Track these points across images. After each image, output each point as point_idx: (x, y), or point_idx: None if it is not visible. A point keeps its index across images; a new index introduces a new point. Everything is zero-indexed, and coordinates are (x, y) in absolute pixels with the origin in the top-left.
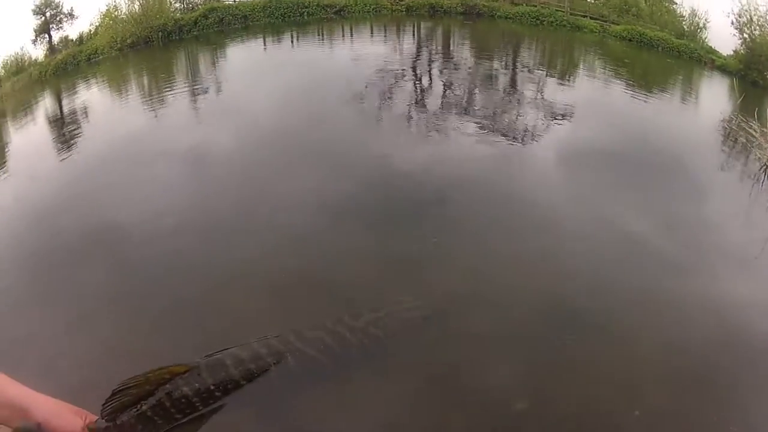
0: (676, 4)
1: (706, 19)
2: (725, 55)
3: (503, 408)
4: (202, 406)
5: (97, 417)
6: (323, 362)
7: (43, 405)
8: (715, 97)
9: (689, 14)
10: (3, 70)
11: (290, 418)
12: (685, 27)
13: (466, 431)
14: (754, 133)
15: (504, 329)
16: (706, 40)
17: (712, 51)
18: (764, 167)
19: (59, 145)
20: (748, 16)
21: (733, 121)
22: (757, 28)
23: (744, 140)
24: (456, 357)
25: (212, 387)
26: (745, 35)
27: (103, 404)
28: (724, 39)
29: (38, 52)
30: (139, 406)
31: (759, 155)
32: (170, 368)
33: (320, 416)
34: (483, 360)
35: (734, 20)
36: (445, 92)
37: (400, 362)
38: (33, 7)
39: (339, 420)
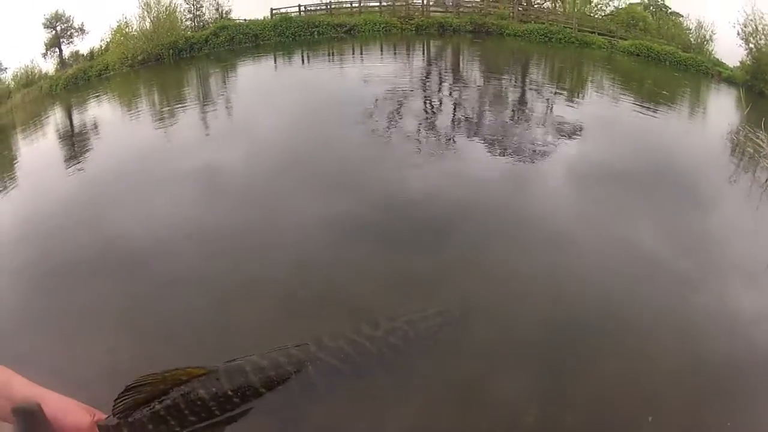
0: (683, 17)
1: (712, 31)
2: (732, 66)
3: (517, 418)
4: (219, 412)
5: (107, 415)
6: (344, 371)
7: (52, 401)
8: (722, 110)
9: (695, 27)
10: (13, 82)
11: (309, 428)
12: (691, 40)
13: None
14: (761, 143)
15: (519, 340)
16: (713, 53)
17: (719, 63)
18: None
19: (69, 159)
20: (754, 26)
21: (741, 133)
22: (763, 37)
23: (752, 151)
24: (474, 366)
25: (230, 392)
26: (751, 45)
27: (116, 399)
28: (730, 51)
29: (48, 66)
30: (152, 404)
31: (767, 165)
32: (188, 369)
33: (339, 426)
34: (499, 369)
35: (740, 30)
36: (455, 111)
37: (419, 371)
38: (43, 21)
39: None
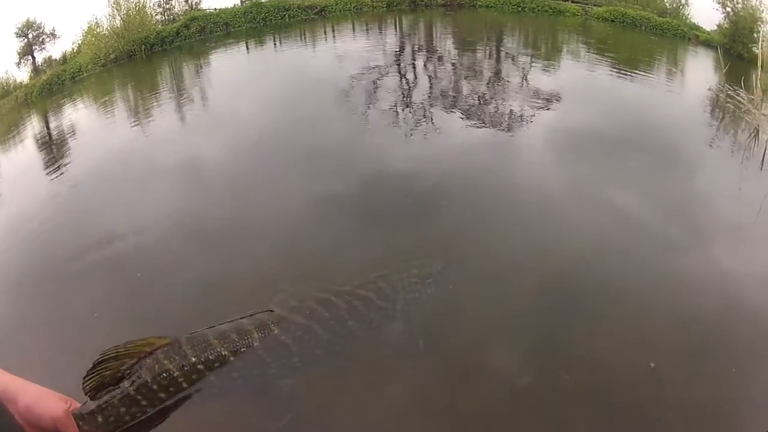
0: None
1: None
2: (709, 30)
3: (512, 382)
4: (186, 384)
5: (81, 404)
6: (313, 329)
7: (28, 391)
8: (701, 71)
9: None
10: None
11: (280, 395)
12: (667, 5)
13: (461, 404)
14: (742, 100)
15: (510, 305)
16: (689, 17)
17: (695, 27)
18: (754, 132)
19: (51, 163)
20: None
21: (721, 91)
22: (740, 1)
23: (732, 108)
24: (465, 331)
25: (194, 360)
26: (728, 9)
27: (84, 377)
28: (707, 14)
29: (23, 75)
30: (122, 386)
31: (748, 120)
32: (149, 340)
33: (316, 393)
34: (491, 334)
35: None
36: (431, 85)
37: (405, 333)
38: (16, 30)
39: (332, 392)
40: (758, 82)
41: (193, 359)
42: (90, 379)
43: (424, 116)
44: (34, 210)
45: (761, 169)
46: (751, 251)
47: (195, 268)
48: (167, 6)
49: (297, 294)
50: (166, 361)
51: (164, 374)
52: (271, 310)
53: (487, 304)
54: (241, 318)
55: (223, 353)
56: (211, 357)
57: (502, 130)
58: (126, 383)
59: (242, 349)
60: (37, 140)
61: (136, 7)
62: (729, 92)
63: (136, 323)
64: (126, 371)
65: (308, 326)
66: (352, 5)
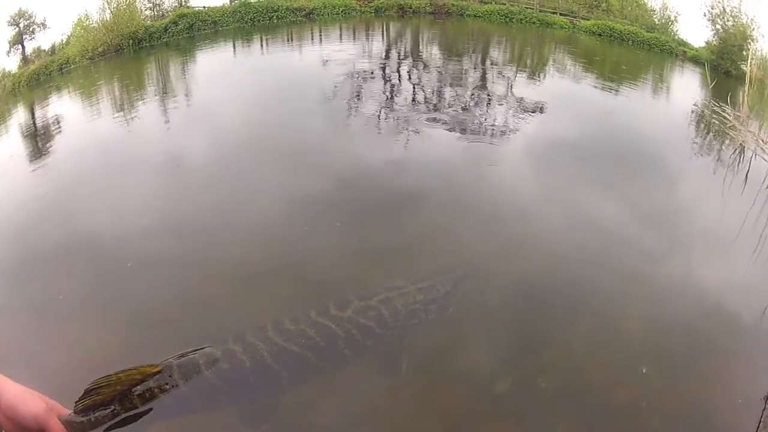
0: None
1: (677, 12)
2: (697, 46)
3: (489, 386)
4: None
5: (69, 411)
6: (308, 358)
7: (10, 389)
8: (688, 86)
9: (660, 7)
10: None
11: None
12: (656, 20)
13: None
14: (727, 116)
15: (489, 310)
16: (678, 33)
17: (683, 43)
18: (740, 149)
19: (35, 155)
20: (721, 7)
21: (707, 107)
22: (730, 18)
23: (718, 123)
24: (444, 337)
25: (184, 389)
26: (718, 26)
27: (76, 402)
28: (695, 31)
29: (12, 64)
30: (112, 407)
31: (734, 137)
32: (141, 369)
33: (307, 410)
34: (470, 340)
35: (706, 12)
36: (415, 92)
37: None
38: (8, 18)
39: (308, 403)
40: (746, 98)
41: (184, 388)
42: (82, 402)
43: (409, 123)
44: (16, 199)
45: (745, 184)
46: (733, 265)
47: (181, 264)
48: (156, 1)
49: (295, 317)
50: (157, 390)
51: (154, 401)
52: (266, 329)
53: (468, 316)
54: (237, 338)
55: (216, 383)
56: (203, 386)
57: (488, 139)
58: (117, 405)
59: (233, 377)
60: (22, 130)
61: (126, 1)
62: (715, 108)
63: (123, 321)
64: (116, 395)
65: (303, 355)
66: (341, 9)
